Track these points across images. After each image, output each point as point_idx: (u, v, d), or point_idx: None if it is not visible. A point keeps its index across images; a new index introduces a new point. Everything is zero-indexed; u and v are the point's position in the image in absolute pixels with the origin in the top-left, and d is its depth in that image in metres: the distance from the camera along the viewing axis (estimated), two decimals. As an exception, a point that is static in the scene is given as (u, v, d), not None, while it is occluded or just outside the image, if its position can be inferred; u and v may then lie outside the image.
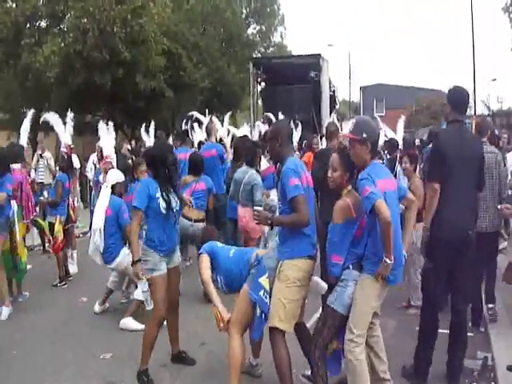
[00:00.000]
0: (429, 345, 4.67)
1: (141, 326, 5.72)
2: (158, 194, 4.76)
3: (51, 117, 8.83)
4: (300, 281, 4.13)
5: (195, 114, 12.64)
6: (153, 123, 11.95)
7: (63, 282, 7.86)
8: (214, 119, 11.99)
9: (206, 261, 4.75)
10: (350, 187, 4.20)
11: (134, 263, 4.75)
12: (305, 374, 4.63)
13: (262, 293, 4.22)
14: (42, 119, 9.22)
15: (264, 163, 7.87)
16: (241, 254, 4.74)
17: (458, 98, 4.83)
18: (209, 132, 9.51)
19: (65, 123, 8.76)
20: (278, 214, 4.51)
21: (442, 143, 4.74)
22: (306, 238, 4.14)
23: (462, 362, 4.76)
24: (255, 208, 4.66)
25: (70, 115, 8.79)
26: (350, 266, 4.01)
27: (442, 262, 4.61)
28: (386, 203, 3.78)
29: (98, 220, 6.47)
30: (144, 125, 13.27)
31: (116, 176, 6.82)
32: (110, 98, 19.37)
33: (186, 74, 21.89)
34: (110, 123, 10.06)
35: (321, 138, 11.95)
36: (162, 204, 4.76)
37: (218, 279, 4.72)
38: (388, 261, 3.78)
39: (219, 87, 25.07)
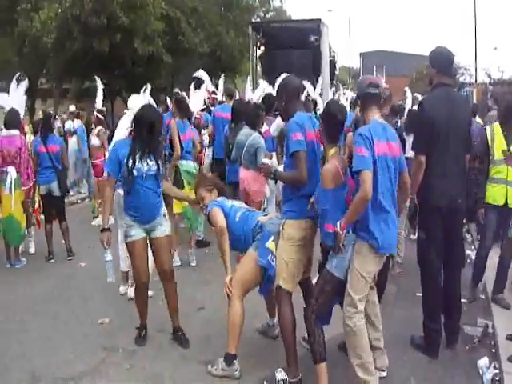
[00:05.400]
0: (435, 317, 4.56)
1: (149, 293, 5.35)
2: (125, 159, 4.55)
3: None
4: (303, 240, 4.05)
5: (201, 73, 12.03)
6: (149, 87, 11.60)
7: (50, 256, 7.66)
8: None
9: (219, 212, 4.47)
10: (337, 148, 3.99)
11: (101, 230, 4.64)
12: (305, 338, 4.54)
13: (269, 257, 4.20)
14: None
15: (264, 126, 7.67)
16: (246, 218, 4.51)
17: (443, 59, 4.55)
18: (231, 94, 9.59)
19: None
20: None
21: (428, 111, 4.44)
22: (306, 198, 4.02)
23: (458, 324, 4.71)
24: (263, 160, 4.61)
25: (23, 84, 7.95)
26: (350, 231, 3.82)
27: (434, 232, 4.48)
28: (377, 169, 3.62)
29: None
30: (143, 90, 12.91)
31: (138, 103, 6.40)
32: (108, 64, 19.05)
33: (184, 38, 21.45)
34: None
35: (314, 106, 11.70)
36: (125, 169, 4.56)
37: None
38: (339, 229, 3.64)
39: (218, 52, 24.65)
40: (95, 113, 9.92)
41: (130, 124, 4.87)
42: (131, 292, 5.70)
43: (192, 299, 5.77)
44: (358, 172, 3.62)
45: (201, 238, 7.95)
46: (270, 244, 4.22)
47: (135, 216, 4.69)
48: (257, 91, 11.50)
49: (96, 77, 10.17)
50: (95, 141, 9.70)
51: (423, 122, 4.49)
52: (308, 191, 4.02)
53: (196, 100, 10.41)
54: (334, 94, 15.48)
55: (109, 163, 4.70)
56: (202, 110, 10.44)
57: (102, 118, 9.91)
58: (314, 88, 13.08)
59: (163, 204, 4.93)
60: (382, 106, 5.53)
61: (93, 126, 10.24)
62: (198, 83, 11.25)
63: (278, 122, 7.51)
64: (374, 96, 3.86)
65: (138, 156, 4.59)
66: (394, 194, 3.84)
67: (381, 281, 4.67)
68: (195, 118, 9.25)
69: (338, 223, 3.65)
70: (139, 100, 6.17)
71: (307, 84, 12.73)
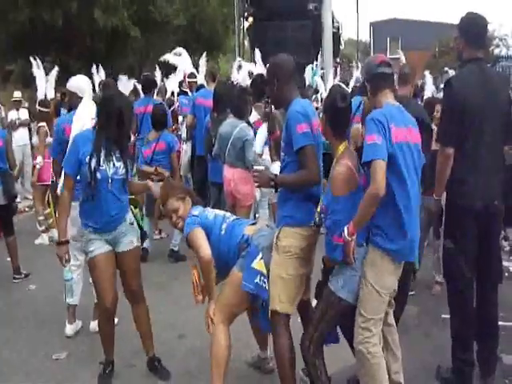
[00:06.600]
0: (467, 344, 4.55)
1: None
2: (88, 158, 4.48)
3: None
4: (303, 251, 4.03)
5: (170, 57, 12.17)
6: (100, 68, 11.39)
7: (22, 275, 7.58)
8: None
9: (201, 233, 4.37)
10: (346, 142, 3.98)
11: (58, 243, 4.66)
12: (306, 369, 4.54)
13: (258, 279, 4.14)
14: None
15: (254, 115, 7.68)
16: (232, 229, 4.47)
17: (475, 29, 4.55)
18: (213, 74, 9.63)
19: None
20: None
21: (459, 91, 4.43)
22: (310, 200, 4.01)
23: (495, 353, 4.69)
24: (255, 167, 4.54)
25: None
26: (364, 244, 3.82)
27: (464, 240, 4.48)
28: (397, 158, 3.63)
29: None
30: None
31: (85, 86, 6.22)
32: (63, 41, 19.01)
33: (155, 8, 21.47)
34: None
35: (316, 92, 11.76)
36: (87, 171, 4.49)
37: None
38: (347, 234, 3.60)
39: (197, 25, 24.70)
40: (37, 106, 9.77)
41: (95, 114, 4.82)
42: (94, 324, 5.67)
43: (170, 326, 5.76)
44: (368, 163, 3.60)
45: (176, 249, 7.97)
46: (258, 264, 4.17)
47: (95, 227, 4.64)
48: (241, 72, 11.56)
49: (32, 59, 10.02)
50: (36, 139, 9.61)
51: (452, 106, 4.47)
52: (312, 191, 4.02)
53: (173, 85, 10.46)
54: (335, 73, 15.53)
55: (67, 162, 4.66)
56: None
57: (47, 110, 9.66)
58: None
59: (128, 211, 4.91)
60: (403, 86, 5.57)
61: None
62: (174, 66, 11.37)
63: (264, 130, 7.38)
64: (386, 77, 3.88)
65: (102, 154, 4.54)
66: (418, 187, 3.85)
67: (400, 299, 4.65)
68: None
69: (346, 228, 3.60)
70: (84, 81, 6.01)
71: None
